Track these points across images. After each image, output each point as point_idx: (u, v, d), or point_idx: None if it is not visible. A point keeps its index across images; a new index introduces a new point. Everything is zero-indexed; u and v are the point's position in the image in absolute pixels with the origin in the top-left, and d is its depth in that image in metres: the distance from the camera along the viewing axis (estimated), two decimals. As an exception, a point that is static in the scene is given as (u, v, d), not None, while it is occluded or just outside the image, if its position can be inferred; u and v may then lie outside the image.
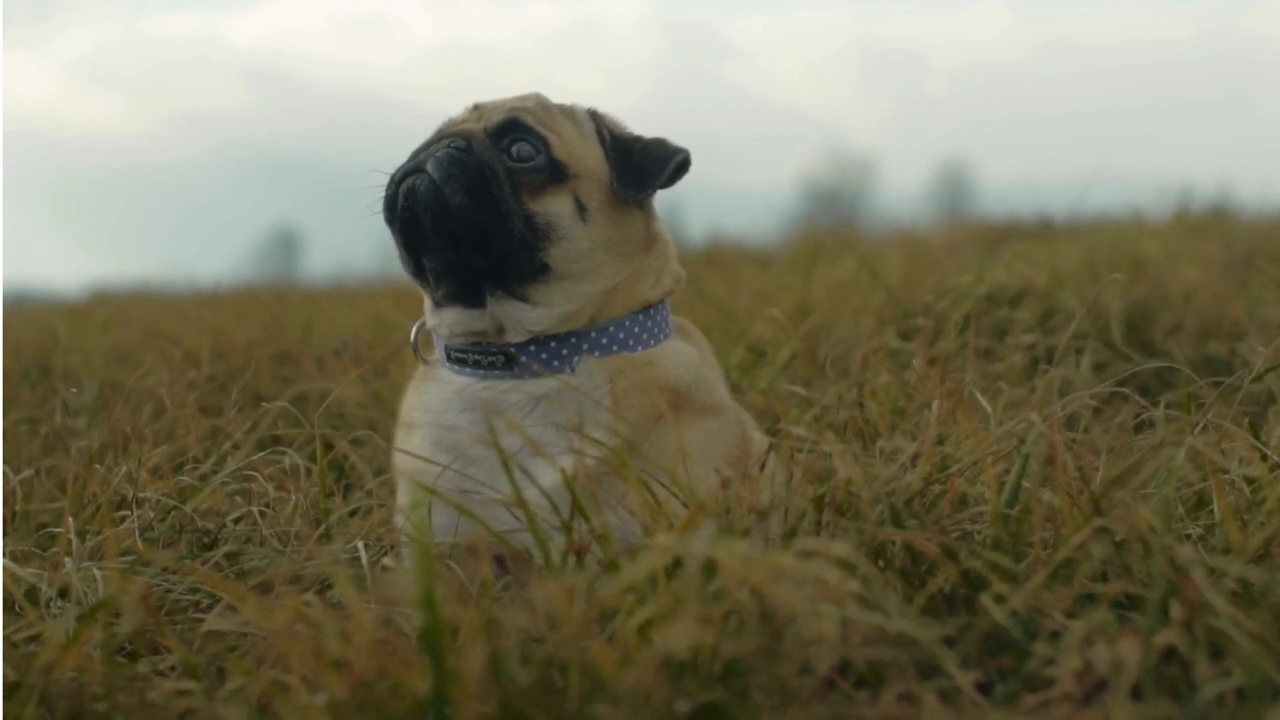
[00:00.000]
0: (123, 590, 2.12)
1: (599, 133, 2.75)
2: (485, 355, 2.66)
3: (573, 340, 2.65)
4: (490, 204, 2.61)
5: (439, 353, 2.74)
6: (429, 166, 2.62)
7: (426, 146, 2.69)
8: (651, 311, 2.74)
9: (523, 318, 2.65)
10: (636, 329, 2.70)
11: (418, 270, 2.70)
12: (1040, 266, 4.96)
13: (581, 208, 2.65)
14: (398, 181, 2.65)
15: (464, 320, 2.68)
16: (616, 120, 2.82)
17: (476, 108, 2.79)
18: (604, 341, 2.66)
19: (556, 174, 2.66)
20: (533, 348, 2.64)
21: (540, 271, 2.63)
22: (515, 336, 2.65)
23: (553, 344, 2.65)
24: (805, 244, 7.98)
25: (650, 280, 2.75)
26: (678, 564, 1.88)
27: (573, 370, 2.63)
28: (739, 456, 2.59)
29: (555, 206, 2.64)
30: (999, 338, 4.23)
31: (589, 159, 2.70)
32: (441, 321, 2.71)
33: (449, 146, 2.64)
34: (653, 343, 2.71)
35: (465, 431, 2.61)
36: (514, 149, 2.66)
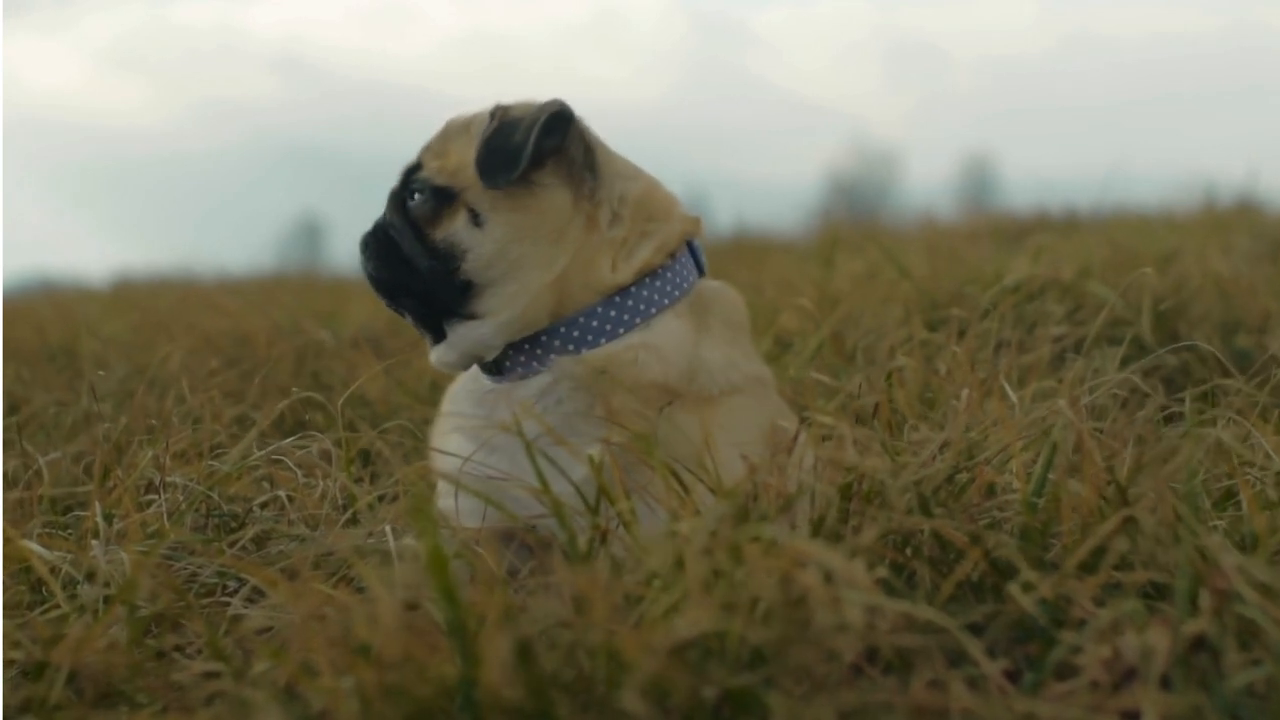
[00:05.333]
0: (147, 570, 2.14)
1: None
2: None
3: (543, 339, 2.61)
4: (401, 263, 2.68)
5: None
6: (360, 244, 2.75)
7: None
8: (627, 294, 2.62)
9: (477, 335, 2.64)
10: (613, 312, 2.60)
11: None
12: (1066, 259, 4.94)
13: (474, 215, 2.62)
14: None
15: (439, 355, 2.72)
16: (530, 105, 2.67)
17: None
18: (575, 334, 2.60)
19: (445, 198, 2.65)
20: (510, 352, 2.64)
21: (466, 289, 2.63)
22: (489, 353, 2.65)
23: (526, 346, 2.63)
24: (831, 236, 7.97)
25: (608, 261, 2.64)
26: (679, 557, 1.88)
27: (545, 367, 2.61)
28: (756, 439, 2.47)
29: (451, 226, 2.63)
30: (1027, 330, 4.22)
31: (470, 166, 2.65)
32: (434, 360, 2.75)
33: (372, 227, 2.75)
34: (632, 328, 2.60)
35: (470, 418, 2.64)
36: (412, 192, 2.69)
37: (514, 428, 2.42)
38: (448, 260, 2.63)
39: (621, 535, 2.19)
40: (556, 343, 2.60)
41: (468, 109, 2.76)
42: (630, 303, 2.61)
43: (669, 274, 2.66)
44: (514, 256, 2.61)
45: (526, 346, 2.62)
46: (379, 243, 2.71)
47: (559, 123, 2.62)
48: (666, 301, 2.64)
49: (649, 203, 2.70)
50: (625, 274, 2.63)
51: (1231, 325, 4.47)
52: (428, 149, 2.72)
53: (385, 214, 2.73)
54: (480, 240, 2.61)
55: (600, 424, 2.49)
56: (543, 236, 2.61)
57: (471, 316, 2.64)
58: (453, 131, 2.72)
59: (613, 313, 2.60)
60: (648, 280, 2.64)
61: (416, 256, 2.65)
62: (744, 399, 2.63)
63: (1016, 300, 4.32)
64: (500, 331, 2.62)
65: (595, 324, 2.60)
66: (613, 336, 2.60)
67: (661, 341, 2.60)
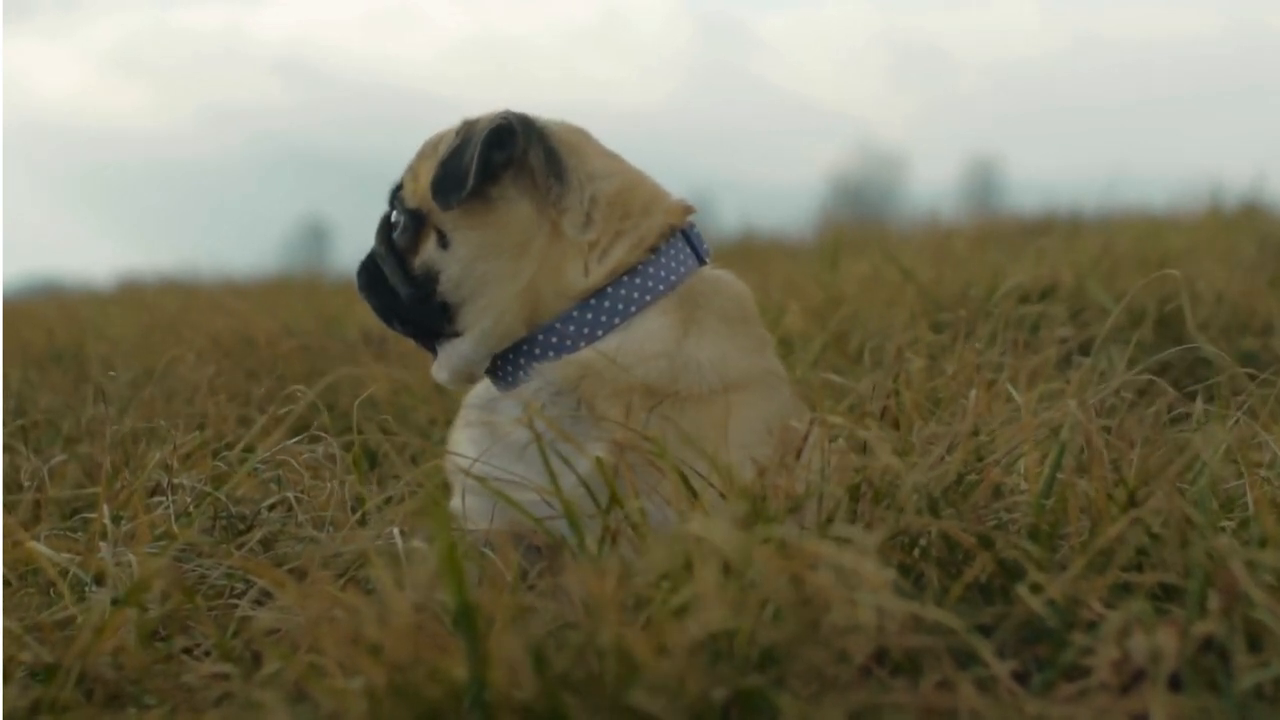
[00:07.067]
0: (157, 572, 2.14)
1: None
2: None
3: (524, 349, 2.61)
4: (389, 292, 2.71)
5: None
6: (356, 274, 2.79)
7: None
8: (603, 296, 2.57)
9: (460, 352, 2.67)
10: (589, 315, 2.56)
11: None
12: (1070, 262, 4.94)
13: (441, 236, 2.63)
14: None
15: (435, 372, 2.76)
16: (489, 119, 2.62)
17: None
18: (554, 341, 2.58)
19: (419, 222, 2.66)
20: (499, 363, 2.65)
21: (445, 309, 2.65)
22: (477, 368, 2.68)
23: (510, 356, 2.62)
24: (836, 238, 7.97)
25: (578, 266, 2.60)
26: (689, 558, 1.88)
27: (529, 377, 2.60)
28: (759, 437, 2.40)
29: (426, 251, 2.65)
30: (1031, 332, 4.21)
31: None
32: (433, 376, 2.79)
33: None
34: (610, 329, 2.56)
35: (475, 421, 2.65)
36: (394, 219, 2.71)
37: (509, 430, 2.49)
38: (425, 285, 2.65)
39: (629, 535, 2.19)
40: (536, 351, 2.59)
41: (471, 112, 2.74)
42: (607, 304, 2.57)
43: (650, 270, 2.60)
44: (479, 273, 2.61)
45: (510, 357, 2.63)
46: (368, 274, 2.75)
47: (505, 135, 2.59)
48: (648, 298, 2.58)
49: (624, 201, 2.64)
50: (598, 276, 2.58)
51: (1237, 328, 4.47)
52: (407, 169, 2.73)
53: (375, 243, 2.75)
54: (448, 261, 2.63)
55: (586, 427, 2.47)
56: (505, 250, 2.60)
57: (454, 335, 2.67)
58: (426, 151, 2.72)
59: (589, 315, 2.57)
60: (625, 279, 2.58)
61: (399, 285, 2.68)
62: (745, 395, 2.55)
63: (1022, 303, 4.32)
64: (479, 346, 2.64)
65: (571, 329, 2.57)
66: (591, 340, 2.56)
67: (639, 341, 2.55)
